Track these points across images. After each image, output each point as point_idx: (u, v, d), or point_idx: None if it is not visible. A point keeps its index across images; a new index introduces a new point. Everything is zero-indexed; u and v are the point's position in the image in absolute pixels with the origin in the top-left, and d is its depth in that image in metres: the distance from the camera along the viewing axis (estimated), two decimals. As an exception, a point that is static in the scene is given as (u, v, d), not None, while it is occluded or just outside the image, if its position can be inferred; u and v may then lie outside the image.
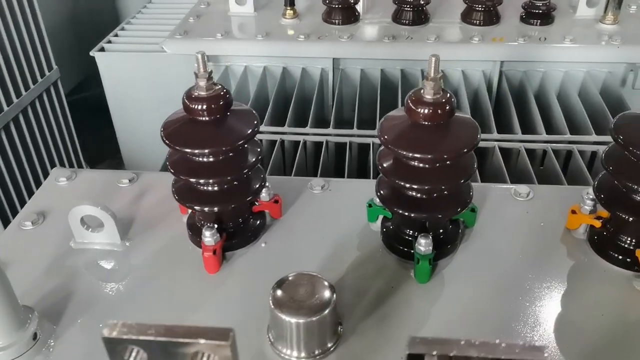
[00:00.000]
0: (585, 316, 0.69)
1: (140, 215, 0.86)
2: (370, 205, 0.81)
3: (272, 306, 0.63)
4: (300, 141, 1.21)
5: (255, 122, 0.74)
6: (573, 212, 0.79)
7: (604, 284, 0.73)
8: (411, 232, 0.77)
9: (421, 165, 0.70)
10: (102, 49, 1.60)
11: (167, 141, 0.70)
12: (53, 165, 1.91)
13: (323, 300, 0.63)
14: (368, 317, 0.70)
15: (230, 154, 0.72)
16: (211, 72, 0.70)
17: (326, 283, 0.65)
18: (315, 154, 1.24)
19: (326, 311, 0.63)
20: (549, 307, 0.70)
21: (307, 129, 1.25)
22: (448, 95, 0.69)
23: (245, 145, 0.73)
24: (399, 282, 0.74)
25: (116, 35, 1.68)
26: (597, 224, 0.77)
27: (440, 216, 0.74)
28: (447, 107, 0.68)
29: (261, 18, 1.52)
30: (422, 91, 0.69)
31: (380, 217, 0.81)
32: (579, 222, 0.79)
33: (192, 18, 1.52)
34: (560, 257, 0.78)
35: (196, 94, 0.70)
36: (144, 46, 1.60)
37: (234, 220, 0.79)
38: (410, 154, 0.69)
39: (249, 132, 0.72)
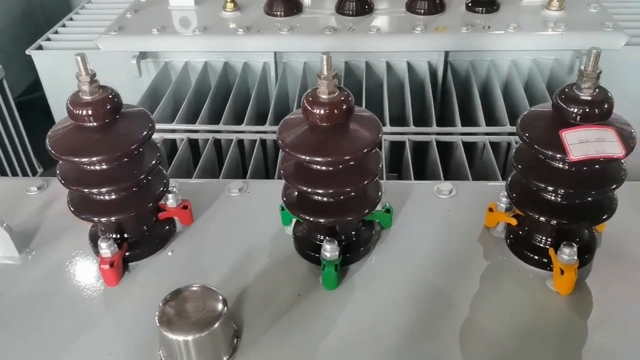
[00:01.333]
0: (494, 320, 0.66)
1: (45, 225, 0.82)
2: (283, 209, 0.78)
3: (158, 324, 0.59)
4: (233, 139, 1.17)
5: (150, 125, 0.70)
6: (490, 209, 0.77)
7: (518, 284, 0.71)
8: (321, 236, 0.74)
9: (323, 168, 0.67)
10: (39, 47, 1.54)
11: (53, 152, 0.66)
12: (2, 170, 1.86)
13: (213, 314, 0.60)
14: (271, 328, 0.67)
15: (125, 160, 0.69)
16: (94, 74, 0.66)
17: (219, 296, 0.62)
18: (253, 152, 1.21)
19: (215, 325, 0.60)
20: (458, 312, 0.67)
21: (243, 127, 1.21)
22: (345, 93, 0.66)
23: (140, 149, 0.70)
24: (308, 290, 0.71)
25: (56, 33, 1.62)
26: (514, 222, 0.75)
27: (346, 220, 0.71)
28: (344, 106, 0.65)
29: (201, 11, 1.47)
30: (317, 91, 0.65)
31: (294, 220, 0.78)
32: (496, 220, 0.77)
33: (130, 13, 1.47)
34: (477, 257, 0.75)
35: (80, 98, 0.66)
36: (84, 43, 1.55)
37: (136, 229, 0.75)
38: (309, 158, 0.65)
39: (142, 135, 0.68)
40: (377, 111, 1.25)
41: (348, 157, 0.66)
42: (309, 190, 0.68)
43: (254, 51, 1.39)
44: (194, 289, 0.63)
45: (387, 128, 1.18)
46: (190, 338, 0.59)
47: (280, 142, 0.67)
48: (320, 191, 0.69)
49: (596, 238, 0.74)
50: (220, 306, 0.61)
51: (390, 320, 0.67)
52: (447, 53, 1.37)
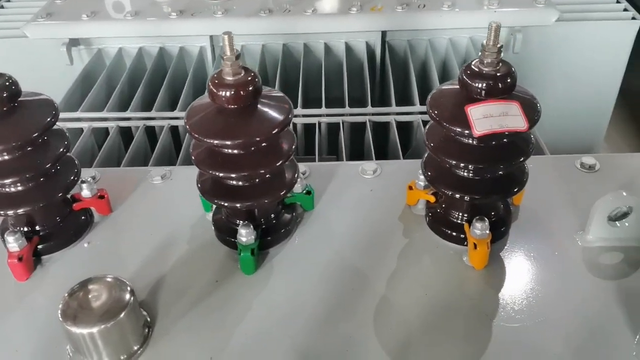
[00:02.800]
0: (409, 297, 0.66)
1: (-44, 221, 0.79)
2: (203, 195, 0.77)
3: (61, 318, 0.58)
4: (164, 126, 1.15)
5: (53, 112, 0.67)
6: (410, 188, 0.77)
7: (436, 261, 0.71)
8: (239, 221, 0.72)
9: (234, 151, 0.66)
10: (-35, 37, 1.48)
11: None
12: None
13: (119, 304, 0.59)
14: (186, 315, 0.66)
15: (27, 149, 0.66)
16: (-14, 62, 0.63)
17: (127, 286, 0.61)
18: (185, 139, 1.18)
19: (121, 316, 0.58)
20: (375, 291, 0.67)
21: (176, 113, 1.18)
22: (252, 74, 0.65)
23: (44, 138, 0.67)
24: (226, 276, 0.70)
25: (-16, 21, 1.55)
26: (432, 199, 0.75)
27: (263, 203, 0.70)
28: (251, 87, 0.64)
29: (135, -5, 1.43)
30: (222, 73, 0.64)
31: (215, 206, 0.77)
32: (416, 198, 0.77)
33: (59, -1, 1.42)
34: (397, 235, 0.75)
35: (-28, 87, 0.63)
36: (14, 32, 1.49)
37: (48, 220, 0.73)
38: (218, 142, 0.64)
39: (43, 123, 0.66)
40: (316, 93, 1.26)
41: (258, 139, 0.64)
42: (222, 175, 0.67)
43: (188, 35, 1.36)
44: (100, 280, 0.61)
45: (323, 110, 1.18)
46: (95, 330, 0.57)
47: (187, 128, 0.65)
48: (234, 175, 0.67)
49: (512, 211, 0.75)
50: (127, 296, 0.60)
51: (307, 303, 0.67)
52: (384, 33, 1.37)
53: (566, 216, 0.75)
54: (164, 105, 1.23)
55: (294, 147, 0.69)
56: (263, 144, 0.66)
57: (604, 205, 0.69)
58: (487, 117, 0.62)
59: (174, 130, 1.18)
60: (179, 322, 0.65)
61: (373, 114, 1.17)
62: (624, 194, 0.69)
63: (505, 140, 0.65)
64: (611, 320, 0.63)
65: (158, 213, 0.80)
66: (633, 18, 1.37)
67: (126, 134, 1.19)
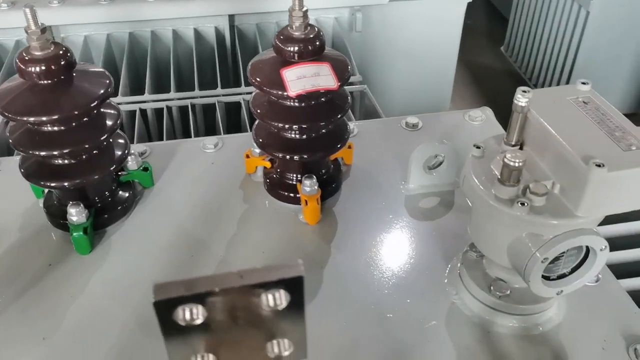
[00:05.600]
0: (246, 257, 0.69)
1: None
2: (33, 181, 0.74)
3: None
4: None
5: None
6: (247, 156, 0.79)
7: (274, 222, 0.74)
8: (71, 202, 0.71)
9: (55, 128, 0.64)
10: None
11: None
12: None
13: None
14: (16, 302, 0.63)
15: None
16: None
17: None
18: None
19: None
20: (213, 257, 0.69)
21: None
22: (63, 48, 0.64)
23: None
24: (60, 259, 0.69)
25: None
26: (268, 164, 0.78)
27: (92, 179, 0.69)
28: (62, 62, 0.63)
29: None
30: (29, 48, 0.62)
31: (46, 191, 0.74)
32: (254, 166, 0.79)
33: None
34: (238, 203, 0.77)
35: None
36: None
37: None
38: (34, 119, 0.62)
39: None
40: (168, 80, 1.24)
41: (76, 112, 0.63)
42: (44, 154, 0.65)
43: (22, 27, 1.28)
44: None
45: (172, 94, 1.17)
46: None
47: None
48: (56, 153, 0.66)
49: (342, 170, 0.80)
50: (-60, 287, 0.57)
51: (145, 276, 0.67)
52: (232, 18, 1.38)
53: (392, 170, 0.82)
54: None
55: (118, 122, 0.68)
56: (84, 119, 0.65)
57: (419, 154, 0.75)
58: (300, 79, 0.65)
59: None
60: (9, 308, 0.62)
61: (223, 95, 1.18)
62: (436, 143, 0.76)
63: (323, 99, 0.69)
64: (430, 255, 0.70)
65: (-15, 205, 0.76)
66: (462, -5, 1.50)
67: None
